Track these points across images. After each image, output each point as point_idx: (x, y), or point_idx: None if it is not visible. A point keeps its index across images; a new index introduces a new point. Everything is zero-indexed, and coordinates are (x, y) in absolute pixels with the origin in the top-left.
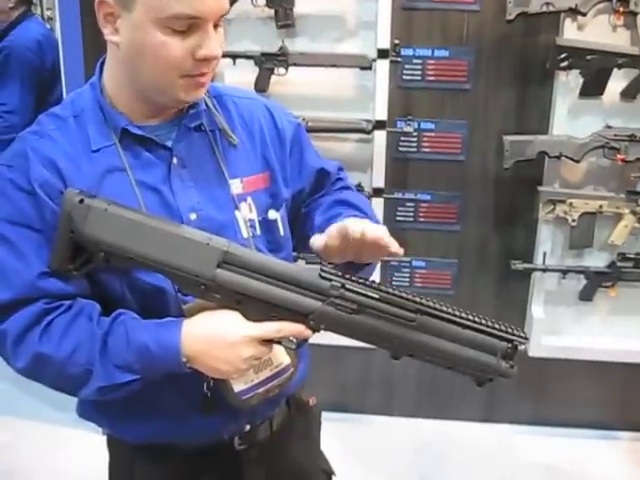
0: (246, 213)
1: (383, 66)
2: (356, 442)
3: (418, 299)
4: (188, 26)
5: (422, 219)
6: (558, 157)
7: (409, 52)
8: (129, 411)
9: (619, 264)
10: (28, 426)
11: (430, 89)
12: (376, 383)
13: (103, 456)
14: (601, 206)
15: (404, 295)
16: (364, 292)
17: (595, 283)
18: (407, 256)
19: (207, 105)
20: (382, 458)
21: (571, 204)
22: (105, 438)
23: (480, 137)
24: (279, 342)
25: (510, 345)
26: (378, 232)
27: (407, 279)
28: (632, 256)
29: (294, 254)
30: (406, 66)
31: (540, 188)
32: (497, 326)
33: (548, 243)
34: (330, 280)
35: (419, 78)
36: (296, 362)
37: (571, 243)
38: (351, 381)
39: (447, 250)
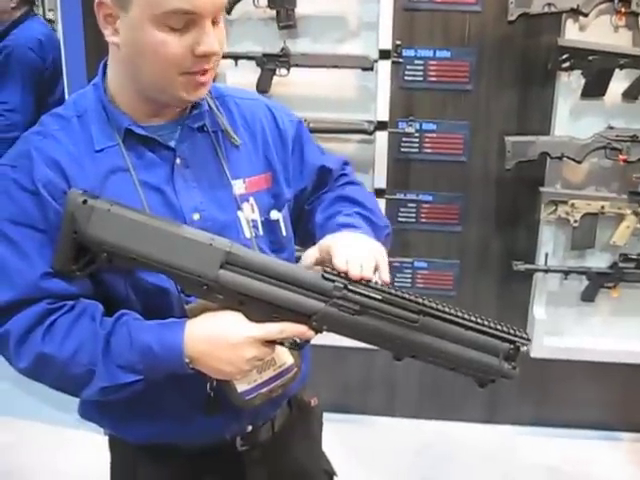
0: (248, 213)
1: (385, 67)
2: (358, 443)
3: (420, 300)
4: (185, 23)
5: (424, 220)
6: (560, 158)
7: (411, 53)
8: (132, 411)
9: (621, 265)
10: (29, 426)
11: (432, 90)
12: (378, 384)
13: (104, 457)
14: (603, 207)
15: (406, 296)
16: (367, 293)
17: (597, 284)
18: (409, 257)
19: (210, 106)
20: (384, 459)
21: (573, 205)
22: (107, 439)
23: (482, 138)
24: (282, 343)
25: (512, 346)
26: (344, 265)
27: (409, 280)
28: (634, 257)
29: (297, 253)
30: (408, 67)
31: (542, 189)
32: (499, 327)
33: (550, 244)
34: (333, 281)
35: (421, 79)
36: (299, 362)
37: (573, 244)
38: (353, 382)
39: (449, 251)
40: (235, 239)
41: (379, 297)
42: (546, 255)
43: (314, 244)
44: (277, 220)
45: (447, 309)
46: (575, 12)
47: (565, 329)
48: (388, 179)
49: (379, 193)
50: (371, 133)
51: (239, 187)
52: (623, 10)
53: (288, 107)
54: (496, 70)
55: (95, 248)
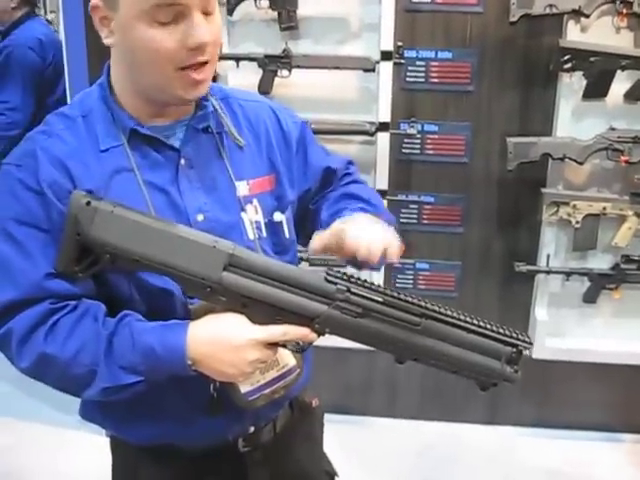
0: (252, 215)
1: (386, 68)
2: (359, 444)
3: (423, 303)
4: (174, 16)
5: (426, 221)
6: (562, 159)
7: (412, 54)
8: (134, 412)
9: (623, 266)
10: (29, 428)
11: (433, 91)
12: (379, 385)
13: (106, 458)
14: (605, 208)
15: (409, 299)
16: (369, 296)
17: (599, 285)
18: (411, 258)
19: (214, 107)
20: (385, 460)
21: (575, 206)
22: (108, 440)
23: (483, 139)
24: (284, 345)
25: (515, 350)
26: (354, 246)
27: (411, 281)
28: (636, 258)
29: (300, 254)
30: (409, 68)
31: (544, 190)
32: (502, 331)
33: (552, 245)
34: (336, 284)
35: (422, 80)
36: (301, 363)
37: (575, 245)
38: (354, 383)
39: (451, 252)
40: (238, 240)
41: (382, 300)
42: (548, 256)
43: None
44: (280, 222)
45: (449, 312)
46: (577, 13)
47: (567, 330)
48: (390, 180)
49: (381, 194)
50: (373, 134)
51: (243, 189)
52: (625, 11)
53: (290, 108)
54: (498, 71)
55: (98, 250)
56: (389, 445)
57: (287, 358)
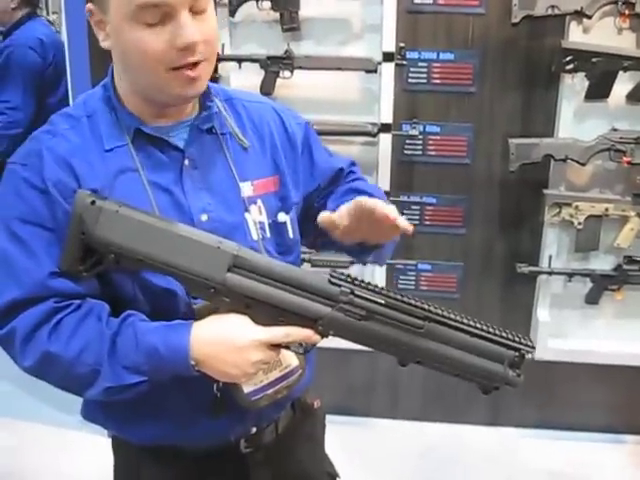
0: (256, 215)
1: (388, 69)
2: (361, 445)
3: (426, 306)
4: (161, 17)
5: (428, 222)
6: (564, 160)
7: (414, 55)
8: (136, 413)
9: (625, 267)
10: (31, 428)
11: (435, 92)
12: (381, 386)
13: (108, 458)
14: (607, 209)
15: (412, 302)
16: (373, 298)
17: (601, 286)
18: (413, 259)
19: (218, 108)
20: (387, 462)
21: (577, 207)
22: (110, 440)
23: (485, 140)
24: (287, 347)
25: (517, 354)
26: (387, 209)
27: (413, 282)
28: (638, 259)
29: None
30: (411, 69)
31: (546, 191)
32: (504, 334)
33: (554, 246)
34: (340, 286)
35: (424, 81)
36: (304, 364)
37: (577, 246)
38: (356, 384)
39: (453, 253)
40: (242, 241)
41: (385, 302)
42: (550, 257)
43: (323, 242)
44: (284, 223)
45: (452, 315)
46: (579, 14)
47: (569, 331)
48: (392, 181)
49: None
50: (375, 135)
51: (247, 189)
52: (627, 12)
53: (293, 109)
54: (500, 72)
55: (103, 249)
56: (391, 446)
57: (290, 358)
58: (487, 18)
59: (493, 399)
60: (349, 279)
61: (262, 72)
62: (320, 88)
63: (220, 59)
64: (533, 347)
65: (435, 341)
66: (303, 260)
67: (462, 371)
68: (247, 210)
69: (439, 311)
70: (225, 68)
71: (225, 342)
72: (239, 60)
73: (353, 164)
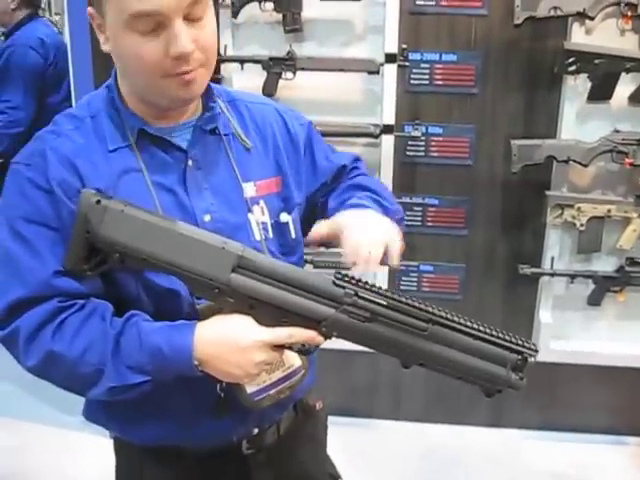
0: (259, 216)
1: (391, 70)
2: (363, 447)
3: (430, 309)
4: (154, 25)
5: (430, 223)
6: (566, 161)
7: (417, 56)
8: (139, 413)
9: (627, 269)
10: (33, 429)
11: (438, 93)
12: (384, 388)
13: (110, 459)
14: (609, 210)
15: (416, 304)
16: (377, 300)
17: (603, 288)
18: (415, 260)
19: (221, 109)
20: (389, 463)
21: (579, 208)
22: (112, 441)
23: (488, 141)
24: (290, 348)
25: (520, 357)
26: (352, 248)
27: (415, 283)
28: None
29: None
30: (414, 70)
31: (548, 192)
32: (508, 337)
33: (556, 247)
34: (344, 287)
35: (427, 82)
36: (307, 364)
37: (579, 247)
38: (359, 385)
39: (455, 254)
40: (245, 241)
41: (389, 304)
42: (552, 259)
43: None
44: (287, 223)
45: (456, 318)
46: (581, 15)
47: (571, 333)
48: (394, 182)
49: None
50: (377, 136)
51: (250, 190)
52: (629, 14)
53: (296, 110)
54: (502, 73)
55: (107, 248)
56: (394, 448)
57: (293, 359)
58: (489, 19)
59: (495, 401)
60: (353, 281)
61: (264, 73)
62: (322, 89)
63: (222, 60)
64: (536, 350)
65: (438, 344)
66: (306, 261)
67: (465, 374)
68: (250, 211)
69: (443, 314)
70: (227, 69)
71: (229, 342)
72: (241, 61)
73: (357, 160)
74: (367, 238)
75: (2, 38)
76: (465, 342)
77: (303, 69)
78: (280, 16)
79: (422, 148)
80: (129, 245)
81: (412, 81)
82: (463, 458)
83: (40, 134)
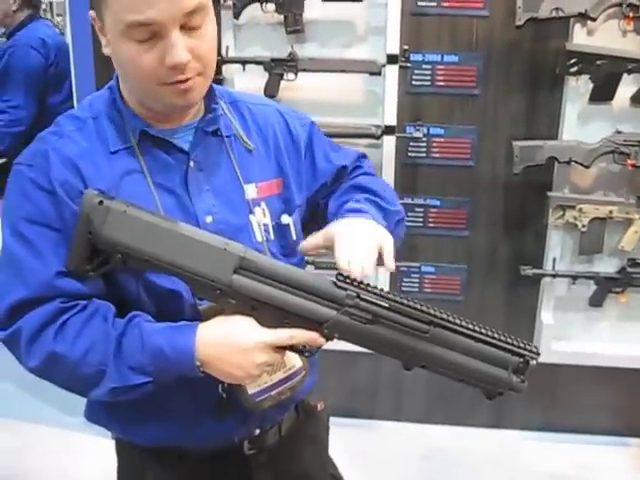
0: (260, 218)
1: (392, 71)
2: (365, 447)
3: (432, 311)
4: (150, 34)
5: (431, 224)
6: (568, 162)
7: (418, 57)
8: (141, 414)
9: (629, 270)
10: (35, 430)
11: (439, 94)
12: (385, 389)
13: (111, 460)
14: (611, 211)
15: (418, 306)
16: (379, 302)
17: (605, 289)
18: (416, 261)
19: (223, 110)
20: (390, 464)
21: (581, 209)
22: (113, 442)
23: (489, 142)
24: (292, 349)
25: (522, 360)
26: (346, 265)
27: (416, 284)
28: None
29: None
30: (415, 71)
31: (550, 193)
32: (509, 340)
33: (558, 249)
34: (345, 289)
35: (428, 83)
36: (308, 366)
37: (581, 249)
38: (360, 386)
39: (456, 256)
40: (247, 242)
41: (391, 306)
42: (554, 260)
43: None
44: (288, 224)
45: (458, 320)
46: (583, 16)
47: (573, 334)
48: (395, 184)
49: None
50: (379, 137)
51: (251, 191)
52: (631, 15)
53: (298, 110)
54: (504, 75)
55: (110, 249)
56: (395, 449)
57: (294, 360)
58: (491, 20)
59: (496, 402)
60: (355, 282)
61: (266, 74)
62: (324, 90)
63: (224, 61)
64: (538, 353)
65: (440, 346)
66: (307, 262)
67: (466, 376)
68: (251, 212)
69: (444, 316)
70: (229, 70)
71: (230, 344)
72: (243, 62)
73: (361, 158)
74: (356, 253)
75: (4, 39)
76: (467, 344)
77: (305, 70)
78: (282, 17)
79: (424, 149)
80: (131, 246)
81: (414, 82)
82: (464, 459)
83: (42, 135)
